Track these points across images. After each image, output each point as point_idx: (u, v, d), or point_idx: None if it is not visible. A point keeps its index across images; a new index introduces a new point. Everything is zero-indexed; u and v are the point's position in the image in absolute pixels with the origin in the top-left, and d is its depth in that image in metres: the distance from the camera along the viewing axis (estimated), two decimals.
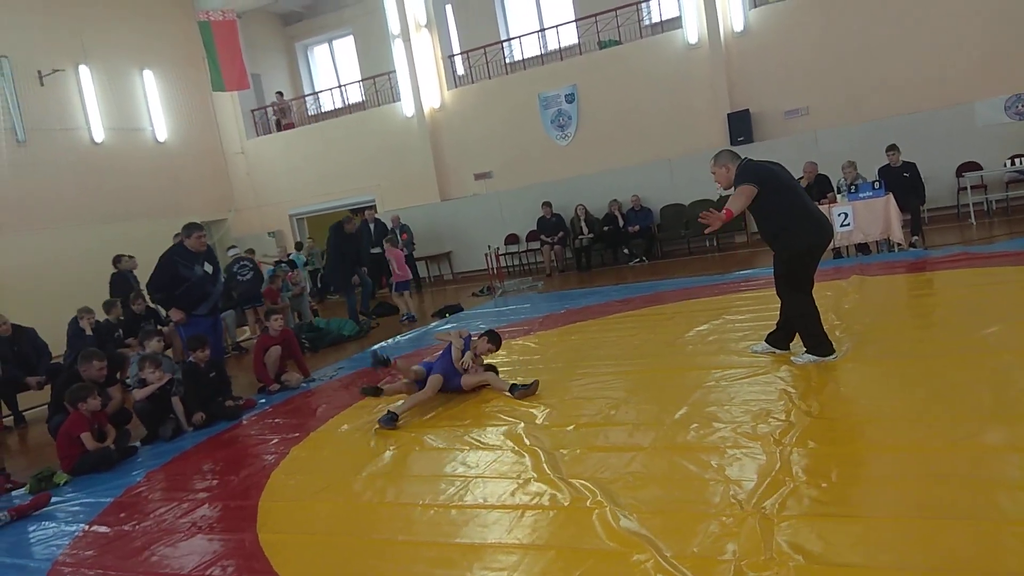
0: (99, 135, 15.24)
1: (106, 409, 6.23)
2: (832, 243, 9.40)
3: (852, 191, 9.41)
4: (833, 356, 5.10)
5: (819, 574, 2.63)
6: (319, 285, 16.09)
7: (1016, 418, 3.65)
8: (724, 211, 4.84)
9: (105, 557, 3.97)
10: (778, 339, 5.50)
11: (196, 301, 7.28)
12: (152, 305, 9.91)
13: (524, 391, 5.55)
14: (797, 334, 5.34)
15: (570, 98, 14.69)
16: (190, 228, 7.33)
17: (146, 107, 16.44)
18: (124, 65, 15.91)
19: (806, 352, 5.17)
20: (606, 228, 13.60)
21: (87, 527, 4.51)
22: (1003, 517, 2.82)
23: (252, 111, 18.45)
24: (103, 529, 4.42)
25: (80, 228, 14.33)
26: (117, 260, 10.92)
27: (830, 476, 3.35)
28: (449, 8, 16.92)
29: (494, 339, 6.09)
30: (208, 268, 7.41)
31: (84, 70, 14.95)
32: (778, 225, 5.12)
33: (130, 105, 16.10)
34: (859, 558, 2.70)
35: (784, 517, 3.05)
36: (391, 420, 5.37)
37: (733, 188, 5.13)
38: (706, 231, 5.24)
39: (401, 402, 5.67)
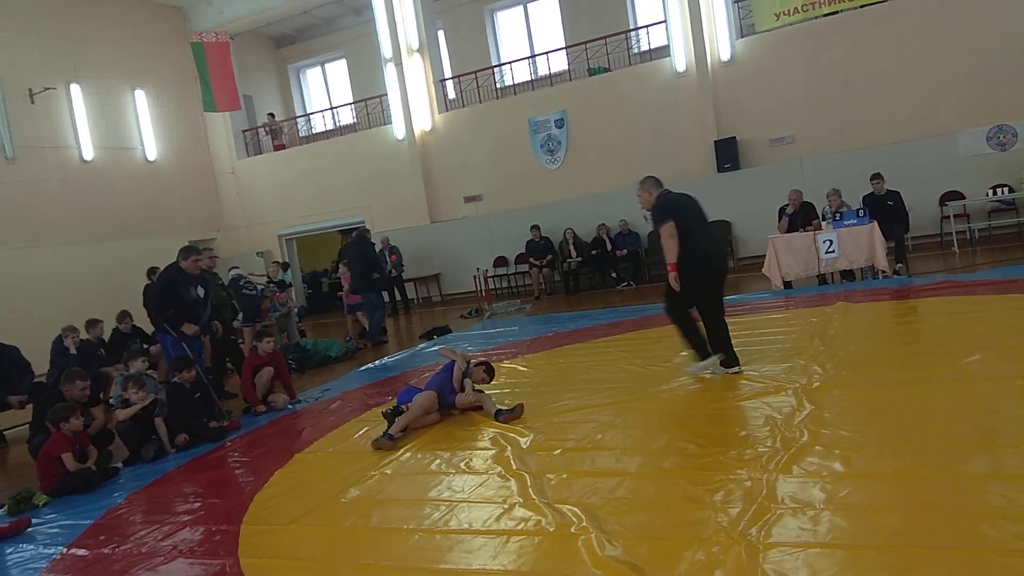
0: (89, 153, 15.23)
1: (88, 429, 6.15)
2: (817, 269, 9.52)
3: (837, 219, 9.50)
4: (714, 359, 5.86)
5: None
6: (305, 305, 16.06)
7: (998, 447, 3.68)
8: (669, 266, 5.69)
9: None
10: (728, 359, 5.93)
11: (189, 322, 7.28)
12: (138, 325, 9.87)
13: (508, 415, 5.55)
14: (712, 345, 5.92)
15: (560, 123, 14.81)
16: (187, 251, 7.36)
17: (137, 126, 16.46)
18: (115, 84, 15.94)
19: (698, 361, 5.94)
20: (594, 252, 13.66)
21: (66, 550, 4.43)
22: (986, 546, 2.83)
23: (243, 131, 18.48)
24: (82, 552, 4.35)
25: (68, 246, 14.28)
26: (152, 272, 10.82)
27: (816, 504, 3.35)
28: (441, 33, 17.11)
29: (490, 371, 6.19)
30: (200, 292, 7.45)
31: (75, 88, 14.97)
32: (682, 258, 5.71)
33: (121, 124, 16.12)
34: None
35: (770, 545, 3.05)
36: (389, 439, 5.35)
37: (651, 213, 5.98)
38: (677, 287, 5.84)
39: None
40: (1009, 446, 3.67)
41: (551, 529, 3.54)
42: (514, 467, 4.48)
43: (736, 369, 5.83)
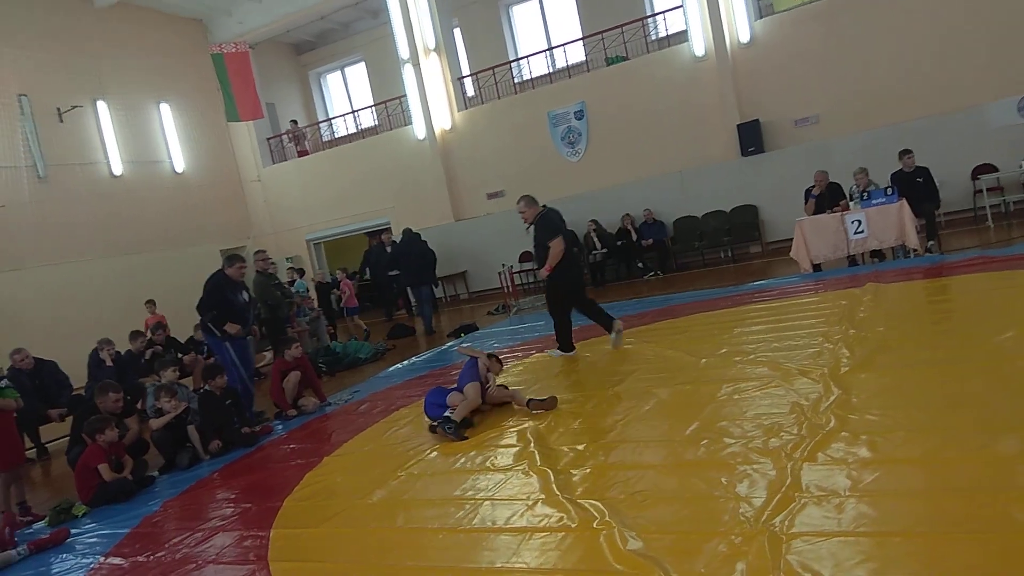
0: (118, 168, 15.52)
1: (123, 440, 6.29)
2: (846, 250, 9.36)
3: (864, 198, 9.32)
4: (572, 352, 7.45)
5: None
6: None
7: None
8: (546, 268, 7.20)
9: None
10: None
11: (219, 324, 7.60)
12: (173, 336, 10.05)
13: (540, 403, 5.60)
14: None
15: (579, 115, 14.74)
16: (232, 259, 7.78)
17: (163, 139, 16.74)
18: (141, 99, 16.23)
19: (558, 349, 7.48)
20: (619, 243, 13.57)
21: (103, 559, 4.55)
22: (1017, 530, 2.75)
23: (268, 139, 18.70)
24: (118, 561, 4.45)
25: (100, 260, 14.58)
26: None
27: (841, 491, 3.30)
28: (457, 31, 17.12)
29: (498, 360, 6.27)
30: (245, 296, 7.86)
31: (102, 105, 15.27)
32: (559, 267, 7.15)
33: (148, 138, 16.41)
34: None
35: (793, 535, 3.00)
36: (456, 430, 5.35)
37: (533, 225, 7.32)
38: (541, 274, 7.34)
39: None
40: None
41: (573, 525, 3.53)
42: (538, 463, 4.48)
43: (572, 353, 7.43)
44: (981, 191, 11.02)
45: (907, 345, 5.53)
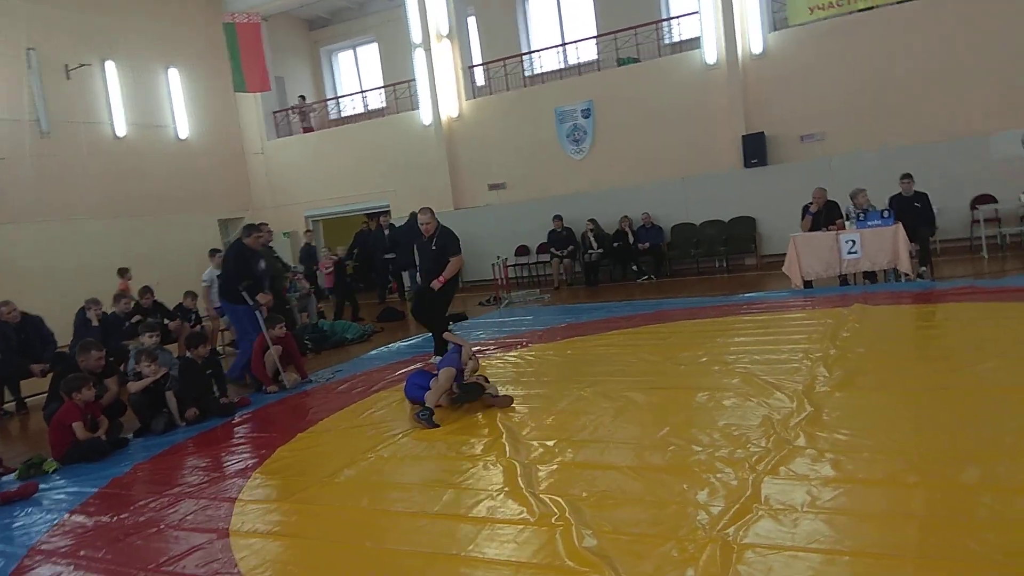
0: (121, 130, 15.47)
1: (101, 400, 6.30)
2: (839, 269, 9.38)
3: (861, 218, 9.33)
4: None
5: None
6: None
7: (993, 458, 3.60)
8: (441, 279, 7.48)
9: (79, 546, 4.02)
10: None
11: (252, 293, 7.74)
12: (159, 300, 10.05)
13: (494, 399, 5.66)
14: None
15: (586, 113, 14.72)
16: (249, 228, 7.86)
17: (169, 104, 16.69)
18: (149, 62, 16.17)
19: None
20: (616, 244, 13.58)
21: (68, 516, 4.57)
22: (965, 558, 2.78)
23: (274, 112, 18.65)
24: (82, 519, 4.48)
25: (97, 220, 14.56)
26: (214, 253, 11.24)
27: (798, 506, 3.32)
28: (472, 19, 17.06)
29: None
30: (263, 265, 7.94)
31: (110, 65, 15.20)
32: (451, 282, 7.65)
33: (154, 101, 16.35)
34: None
35: (745, 545, 3.03)
36: (430, 417, 5.39)
37: (437, 238, 7.57)
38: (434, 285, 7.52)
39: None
40: (1005, 457, 3.59)
41: (532, 519, 3.56)
42: (507, 455, 4.50)
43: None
44: (979, 221, 11.04)
45: (885, 368, 5.55)
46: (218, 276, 8.94)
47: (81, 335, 8.73)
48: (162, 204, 15.95)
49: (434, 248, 7.58)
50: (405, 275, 14.85)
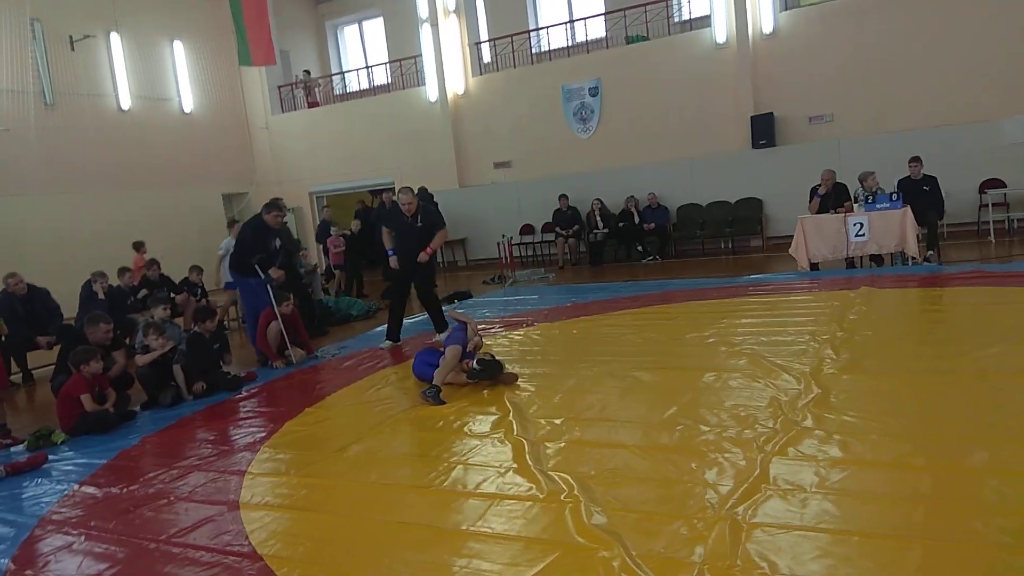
0: (126, 103, 15.41)
1: (109, 373, 6.33)
2: (846, 252, 9.36)
3: (869, 201, 9.29)
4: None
5: None
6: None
7: (999, 441, 3.61)
8: (429, 250, 7.71)
9: (89, 517, 4.06)
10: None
11: (264, 268, 7.82)
12: (165, 274, 10.06)
13: (502, 375, 5.68)
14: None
15: (594, 91, 14.62)
16: (269, 206, 7.88)
17: (174, 77, 16.60)
18: (154, 34, 16.06)
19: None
20: (621, 224, 13.54)
21: (77, 487, 4.60)
22: (970, 540, 2.80)
23: (279, 87, 18.54)
24: (91, 490, 4.51)
25: (102, 193, 14.54)
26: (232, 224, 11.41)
27: (807, 487, 3.34)
28: None
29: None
30: (277, 242, 8.02)
31: (115, 37, 15.10)
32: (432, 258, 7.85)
33: (158, 74, 16.26)
34: (822, 571, 2.69)
35: (755, 524, 3.05)
36: (437, 395, 5.42)
37: (420, 214, 7.75)
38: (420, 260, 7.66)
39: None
40: (1009, 441, 3.60)
41: (541, 496, 3.58)
42: (515, 433, 4.52)
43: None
44: (987, 205, 10.99)
45: (892, 351, 5.56)
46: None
47: (87, 308, 8.74)
48: (166, 177, 15.92)
49: (420, 225, 7.70)
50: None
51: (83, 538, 3.80)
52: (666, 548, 2.95)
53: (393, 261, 7.77)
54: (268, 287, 7.69)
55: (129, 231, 13.56)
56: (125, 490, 4.42)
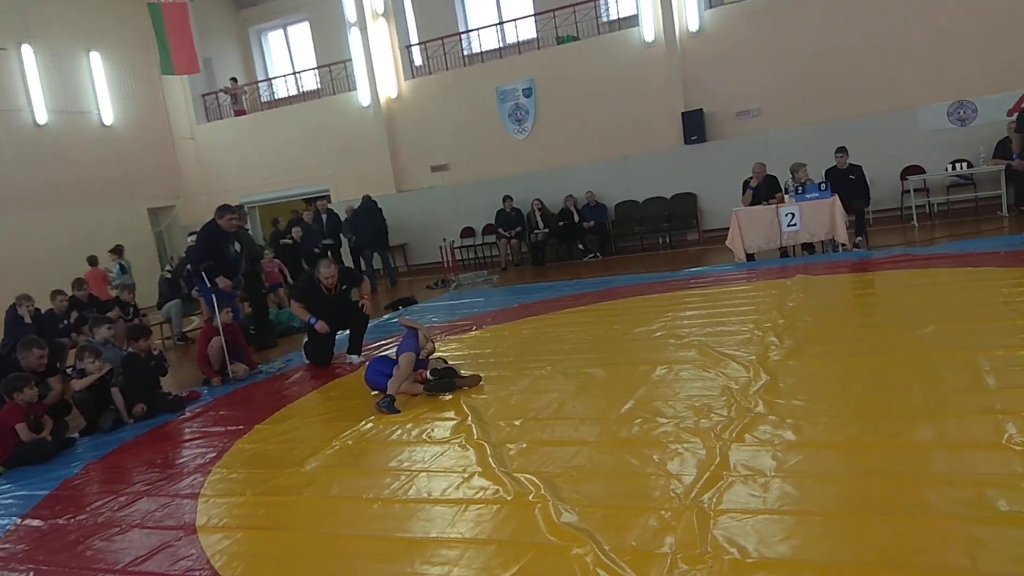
0: (42, 117, 14.79)
1: (44, 400, 6.06)
2: (779, 242, 9.65)
3: (799, 192, 9.60)
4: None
5: (752, 568, 2.69)
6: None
7: (944, 416, 3.78)
8: (365, 296, 7.61)
9: (37, 551, 3.88)
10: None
11: (225, 276, 7.63)
12: (94, 294, 9.67)
13: (463, 380, 5.65)
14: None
15: (527, 92, 14.70)
16: (222, 210, 7.75)
17: (92, 89, 16.00)
18: (69, 45, 15.44)
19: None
20: (562, 223, 13.65)
21: (20, 520, 4.39)
22: (928, 512, 2.92)
23: (203, 96, 18.06)
24: (36, 523, 4.31)
25: (22, 214, 13.90)
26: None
27: (766, 471, 3.43)
28: None
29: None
30: (237, 247, 7.83)
31: (27, 49, 14.48)
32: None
33: (75, 87, 15.65)
34: (790, 552, 2.77)
35: (720, 511, 3.12)
36: (391, 404, 5.35)
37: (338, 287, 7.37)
38: None
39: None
40: (953, 416, 3.77)
41: (509, 497, 3.58)
42: (475, 437, 4.51)
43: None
44: (908, 191, 11.49)
45: (832, 335, 5.76)
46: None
47: (13, 333, 8.34)
48: (89, 194, 15.33)
49: (343, 288, 7.40)
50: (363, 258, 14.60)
51: (32, 574, 3.63)
52: (637, 541, 2.99)
53: (321, 326, 7.11)
54: (213, 298, 7.48)
55: (51, 252, 13.03)
56: (72, 520, 4.23)
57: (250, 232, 10.91)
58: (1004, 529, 2.72)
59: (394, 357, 5.84)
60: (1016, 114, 10.41)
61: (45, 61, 14.81)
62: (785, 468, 3.45)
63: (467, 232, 15.31)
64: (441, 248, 13.62)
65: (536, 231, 13.77)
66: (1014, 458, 3.22)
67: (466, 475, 3.95)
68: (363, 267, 14.46)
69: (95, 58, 15.94)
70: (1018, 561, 2.52)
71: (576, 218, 13.54)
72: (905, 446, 3.55)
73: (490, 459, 4.09)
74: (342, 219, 14.24)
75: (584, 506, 3.36)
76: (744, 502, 3.18)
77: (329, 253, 14.15)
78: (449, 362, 6.00)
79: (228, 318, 7.50)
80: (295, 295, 7.53)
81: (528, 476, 3.76)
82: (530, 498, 3.51)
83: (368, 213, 13.81)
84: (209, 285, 7.55)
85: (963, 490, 3.03)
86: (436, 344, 6.57)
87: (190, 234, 11.83)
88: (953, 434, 3.58)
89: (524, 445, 4.29)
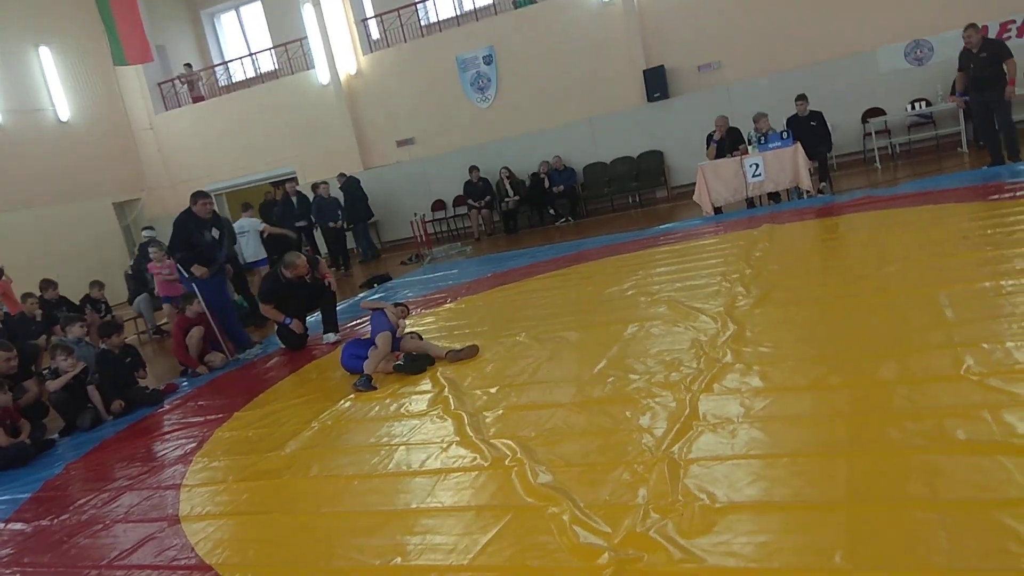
0: None
1: (19, 402, 6.02)
2: (745, 193, 9.73)
3: (762, 142, 9.66)
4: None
5: (721, 512, 2.77)
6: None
7: (906, 353, 3.87)
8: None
9: (22, 554, 3.89)
10: None
11: (205, 264, 7.52)
12: (63, 295, 9.57)
13: (458, 354, 5.62)
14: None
15: (488, 60, 14.56)
16: (196, 196, 7.61)
17: (45, 86, 15.60)
18: (16, 42, 15.03)
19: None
20: (532, 189, 13.63)
21: (3, 525, 4.38)
22: (889, 447, 3.01)
23: (159, 84, 17.70)
24: (19, 526, 4.31)
25: None
26: None
27: (734, 419, 3.51)
28: None
29: (404, 308, 6.23)
30: (215, 233, 7.69)
31: None
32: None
33: (27, 84, 15.25)
34: (758, 494, 2.86)
35: (691, 460, 3.20)
36: (368, 382, 5.37)
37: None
38: None
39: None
40: (915, 352, 3.86)
41: (486, 464, 3.64)
42: (452, 407, 4.55)
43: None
44: (870, 134, 11.59)
45: (798, 282, 5.86)
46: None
47: None
48: (50, 193, 15.03)
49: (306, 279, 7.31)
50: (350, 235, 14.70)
51: None
52: (611, 495, 3.06)
53: (296, 325, 7.24)
54: (194, 286, 7.45)
55: (17, 253, 12.81)
56: (56, 521, 4.24)
57: (229, 219, 10.86)
58: (962, 457, 2.81)
59: (369, 337, 5.86)
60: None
61: None
62: (752, 414, 3.53)
63: (438, 205, 15.25)
64: (412, 223, 13.57)
65: (507, 199, 13.75)
66: (972, 389, 3.32)
67: (444, 445, 4.01)
68: (359, 244, 14.47)
69: (45, 53, 15.53)
70: (976, 487, 2.62)
71: (546, 184, 13.52)
72: (868, 384, 3.64)
73: (467, 428, 4.14)
74: (310, 201, 14.12)
75: (559, 466, 3.43)
76: (713, 450, 3.26)
77: (303, 236, 14.11)
78: (423, 337, 6.03)
79: (200, 308, 7.45)
80: (263, 298, 7.40)
81: (505, 441, 3.81)
82: (507, 463, 3.57)
83: (354, 190, 14.12)
84: (186, 275, 7.48)
85: (924, 423, 3.12)
86: (409, 321, 6.57)
87: (144, 228, 11.78)
88: (914, 370, 3.67)
89: (500, 412, 4.35)
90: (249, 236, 11.39)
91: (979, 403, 3.17)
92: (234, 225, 11.45)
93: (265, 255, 11.27)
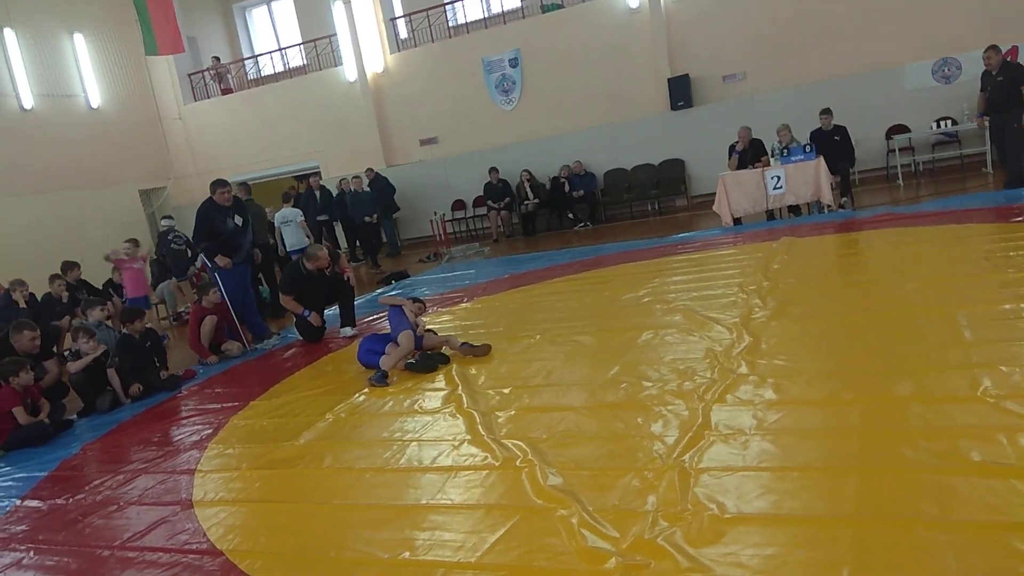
0: (28, 102, 14.66)
1: (40, 382, 6.13)
2: (765, 205, 9.70)
3: (784, 155, 9.63)
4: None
5: (730, 522, 2.78)
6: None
7: (920, 371, 3.86)
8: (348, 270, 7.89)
9: (37, 531, 3.96)
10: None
11: (229, 252, 7.60)
12: (84, 278, 9.70)
13: (472, 349, 5.67)
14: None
15: (514, 62, 14.61)
16: (215, 184, 7.69)
17: (77, 72, 15.85)
18: (52, 28, 15.27)
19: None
20: (551, 192, 13.66)
21: (20, 502, 4.47)
22: (902, 465, 3.00)
23: (189, 75, 17.90)
24: (36, 503, 4.39)
25: (11, 199, 13.83)
26: None
27: (746, 430, 3.51)
28: None
29: (421, 303, 6.25)
30: (238, 221, 7.73)
31: (9, 33, 14.32)
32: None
33: (60, 70, 15.50)
34: (767, 507, 2.86)
35: (701, 470, 3.20)
36: (383, 378, 5.41)
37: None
38: None
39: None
40: (931, 371, 3.85)
41: (497, 463, 3.66)
42: (465, 406, 4.59)
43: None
44: (894, 150, 11.50)
45: (815, 296, 5.84)
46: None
47: (7, 317, 8.35)
48: (79, 178, 15.26)
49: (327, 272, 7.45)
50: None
51: (32, 553, 3.71)
52: (620, 500, 3.08)
53: (315, 318, 7.37)
54: (216, 276, 7.54)
55: (43, 237, 13.01)
56: (71, 500, 4.32)
57: (260, 205, 10.98)
58: (976, 479, 2.80)
59: (386, 333, 5.91)
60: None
61: (28, 44, 14.66)
62: (764, 426, 3.54)
63: (458, 205, 15.31)
64: (432, 222, 13.64)
65: (526, 202, 13.78)
66: (988, 410, 3.30)
67: (456, 443, 4.04)
68: (384, 239, 14.51)
69: (79, 40, 15.77)
70: (988, 509, 2.61)
71: (566, 188, 13.53)
72: (883, 401, 3.63)
73: (479, 427, 4.17)
74: (333, 195, 14.24)
75: (570, 469, 3.45)
76: (724, 460, 3.27)
77: (324, 230, 14.23)
78: (446, 335, 6.08)
79: (216, 298, 7.54)
80: (284, 289, 7.53)
81: (516, 442, 3.84)
82: (517, 463, 3.59)
83: (384, 185, 14.30)
84: (210, 265, 7.56)
85: (938, 442, 3.11)
86: (426, 318, 6.61)
87: (163, 218, 11.92)
88: (930, 389, 3.66)
89: (512, 412, 4.37)
90: (292, 226, 11.64)
91: (995, 425, 3.15)
92: (276, 215, 11.89)
93: (307, 244, 11.36)
